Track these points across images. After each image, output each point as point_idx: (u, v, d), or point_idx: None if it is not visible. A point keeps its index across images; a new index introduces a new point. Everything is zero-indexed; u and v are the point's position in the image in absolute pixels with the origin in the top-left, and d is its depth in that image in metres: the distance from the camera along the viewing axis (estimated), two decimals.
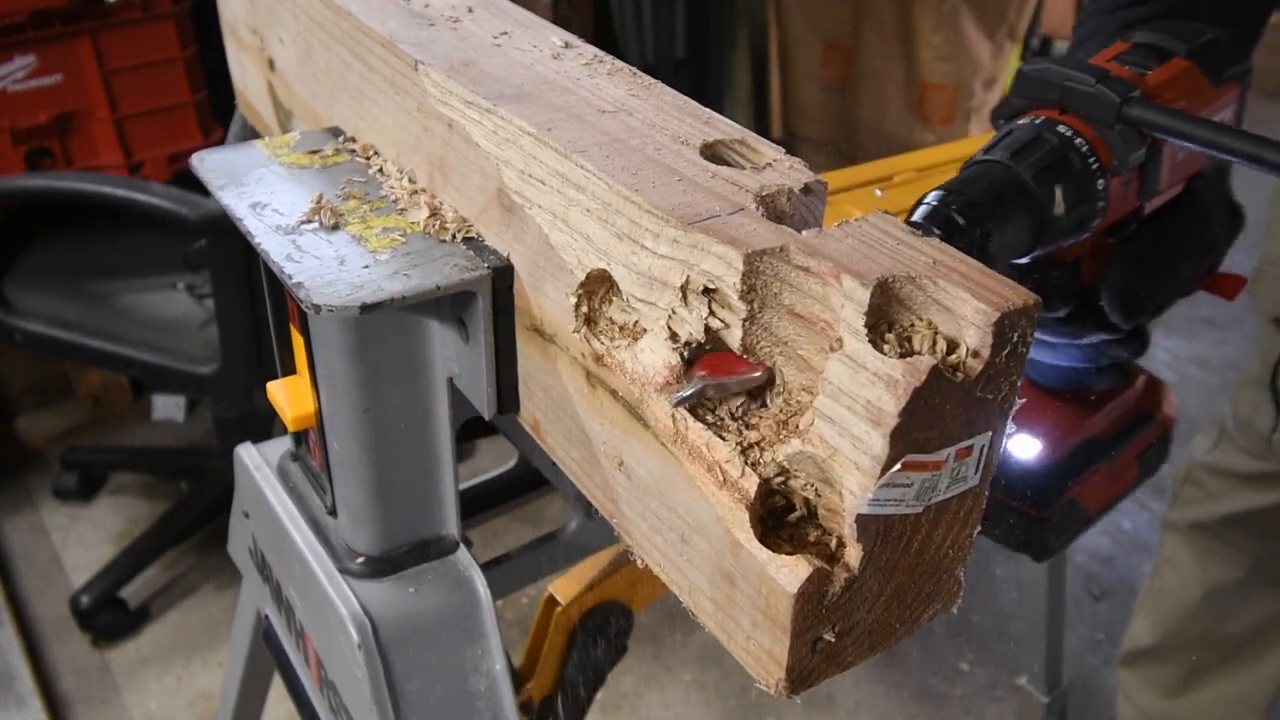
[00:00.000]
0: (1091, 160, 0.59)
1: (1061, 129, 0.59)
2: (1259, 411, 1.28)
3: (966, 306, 0.35)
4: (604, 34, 2.68)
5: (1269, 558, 1.35)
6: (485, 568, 0.68)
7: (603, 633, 0.85)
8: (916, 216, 0.54)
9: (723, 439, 0.40)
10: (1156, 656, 1.48)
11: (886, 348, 0.36)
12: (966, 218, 0.54)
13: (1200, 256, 0.72)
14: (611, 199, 0.43)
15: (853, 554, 0.38)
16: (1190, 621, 1.42)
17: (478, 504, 0.90)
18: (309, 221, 0.55)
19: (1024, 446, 0.77)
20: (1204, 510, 1.38)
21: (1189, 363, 2.67)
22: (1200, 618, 1.41)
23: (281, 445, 0.77)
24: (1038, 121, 0.60)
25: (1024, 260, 0.61)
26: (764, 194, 0.42)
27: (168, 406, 2.34)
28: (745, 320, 0.39)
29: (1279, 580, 1.36)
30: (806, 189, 0.43)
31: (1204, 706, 1.45)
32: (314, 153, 0.62)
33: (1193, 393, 2.56)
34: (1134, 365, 0.82)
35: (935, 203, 0.54)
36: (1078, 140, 0.59)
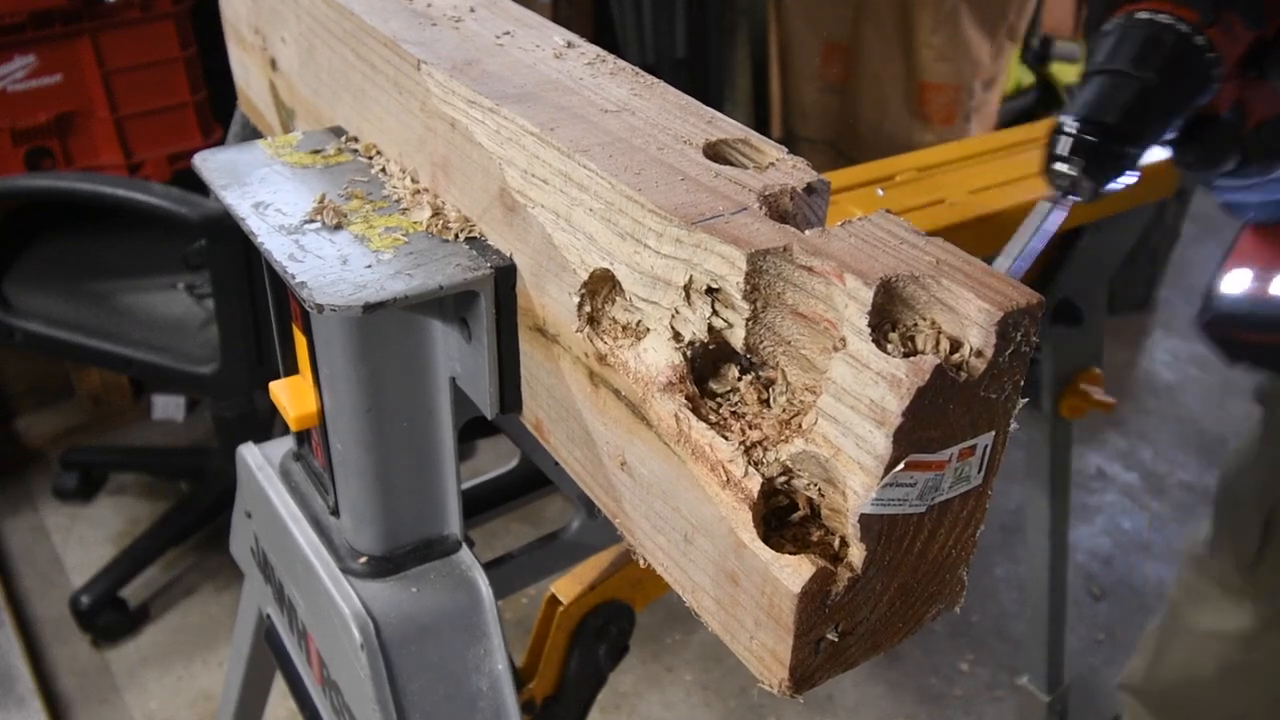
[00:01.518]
0: (1181, 26, 0.63)
1: (1140, 15, 0.64)
2: (1244, 532, 1.21)
3: (970, 306, 0.35)
4: (604, 34, 2.68)
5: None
6: (487, 568, 0.68)
7: (605, 632, 0.85)
8: (1060, 150, 0.58)
9: (726, 439, 0.40)
10: (1155, 699, 1.46)
11: (890, 347, 0.36)
12: (1110, 138, 0.57)
13: None
14: (615, 199, 0.44)
15: (856, 554, 0.38)
16: (1182, 701, 1.40)
17: (478, 504, 0.90)
18: (312, 221, 0.55)
19: None
20: (1193, 615, 1.32)
21: (1189, 363, 2.67)
22: (1191, 704, 1.39)
23: (284, 445, 0.77)
24: (1121, 21, 0.64)
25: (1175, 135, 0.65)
26: (767, 193, 0.42)
27: (168, 406, 2.34)
28: (748, 320, 0.40)
29: None
30: (809, 188, 0.43)
31: None
32: (316, 152, 0.62)
33: (1193, 393, 2.56)
34: None
35: (1075, 134, 0.57)
36: (1160, 16, 0.63)
